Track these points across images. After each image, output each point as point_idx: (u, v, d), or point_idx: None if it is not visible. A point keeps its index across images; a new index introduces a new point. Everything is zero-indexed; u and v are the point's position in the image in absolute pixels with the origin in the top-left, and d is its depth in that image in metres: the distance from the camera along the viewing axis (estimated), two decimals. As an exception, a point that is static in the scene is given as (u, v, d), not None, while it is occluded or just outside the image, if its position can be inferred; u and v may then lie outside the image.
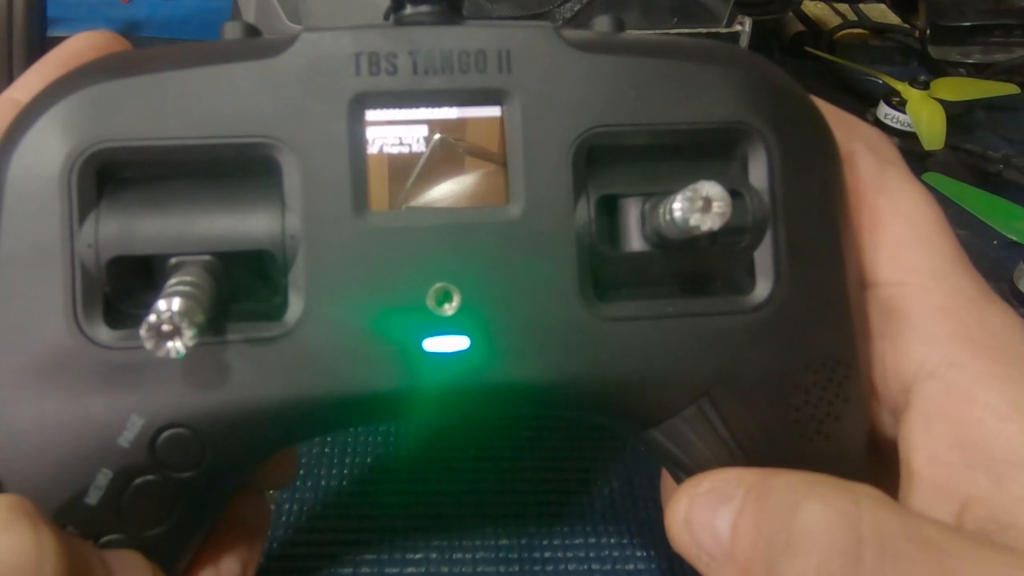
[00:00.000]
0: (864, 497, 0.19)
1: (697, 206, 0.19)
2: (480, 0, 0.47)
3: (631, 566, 0.32)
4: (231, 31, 0.22)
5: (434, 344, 0.21)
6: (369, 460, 0.36)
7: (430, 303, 0.21)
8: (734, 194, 0.22)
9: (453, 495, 0.34)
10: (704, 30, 0.47)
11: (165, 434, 0.21)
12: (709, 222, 0.19)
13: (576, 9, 0.49)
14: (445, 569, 0.32)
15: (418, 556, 0.32)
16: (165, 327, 0.18)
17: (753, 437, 0.23)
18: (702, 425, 0.22)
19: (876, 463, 0.25)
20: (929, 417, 0.22)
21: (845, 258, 0.23)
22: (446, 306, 0.21)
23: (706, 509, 0.21)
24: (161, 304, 0.18)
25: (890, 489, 0.22)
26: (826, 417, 0.23)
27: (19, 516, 0.18)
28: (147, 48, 0.23)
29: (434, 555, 0.32)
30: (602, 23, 0.23)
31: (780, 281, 0.22)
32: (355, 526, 0.33)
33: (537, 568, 0.32)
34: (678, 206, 0.20)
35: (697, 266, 0.23)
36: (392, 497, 0.34)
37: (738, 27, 0.47)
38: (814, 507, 0.19)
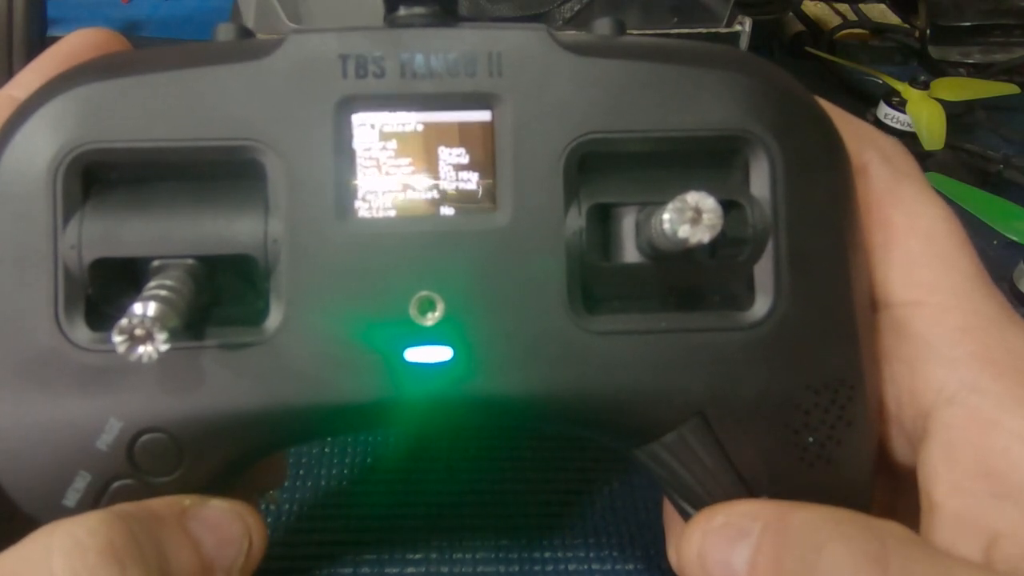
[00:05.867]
0: (891, 537, 0.18)
1: (687, 217, 0.19)
2: (480, 0, 0.47)
3: (631, 566, 0.32)
4: (224, 33, 0.22)
5: (416, 354, 0.21)
6: (369, 460, 0.36)
7: (413, 312, 0.21)
8: (733, 205, 0.21)
9: (453, 495, 0.34)
10: (704, 30, 0.47)
11: (143, 438, 0.21)
12: (699, 234, 0.19)
13: (576, 9, 0.49)
14: (445, 569, 0.32)
15: (418, 556, 0.32)
16: (138, 331, 0.18)
17: (749, 459, 0.22)
18: (694, 445, 0.22)
19: (894, 492, 0.24)
20: (950, 445, 0.21)
21: (853, 273, 0.22)
22: (429, 315, 0.21)
23: (721, 545, 0.20)
24: (136, 308, 0.18)
25: (910, 520, 0.21)
26: (828, 441, 0.22)
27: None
28: (141, 49, 0.23)
29: (434, 555, 0.32)
30: (602, 26, 0.23)
31: (781, 297, 0.21)
32: (355, 526, 0.33)
33: (537, 568, 0.32)
34: (667, 217, 0.19)
35: (694, 279, 0.22)
36: (392, 497, 0.34)
37: (738, 27, 0.47)
38: (839, 548, 0.18)
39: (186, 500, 0.21)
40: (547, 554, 0.32)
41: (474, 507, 0.34)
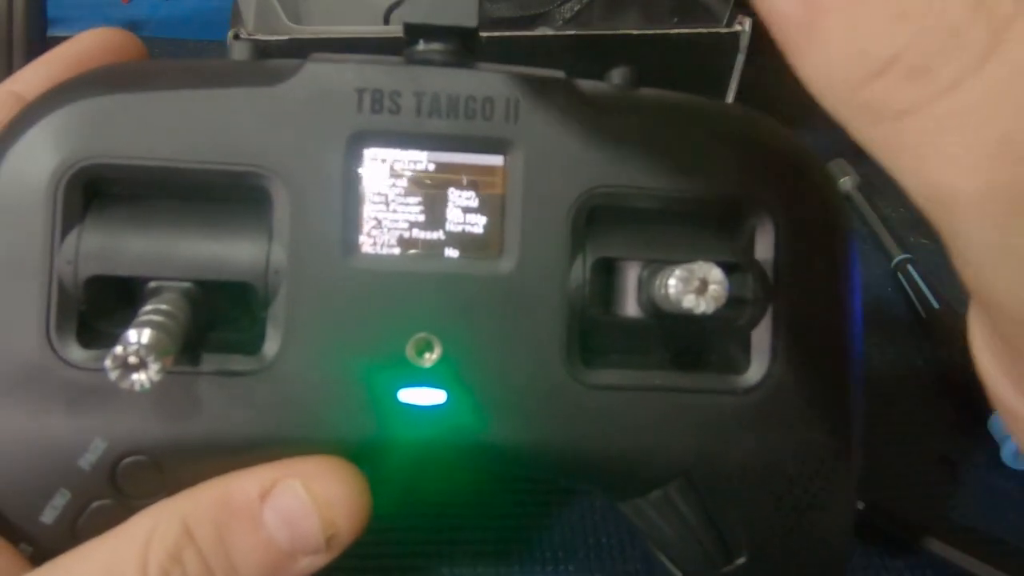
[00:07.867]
0: None
1: (692, 287, 0.19)
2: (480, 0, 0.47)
3: (631, 566, 0.32)
4: (239, 51, 0.22)
5: (410, 396, 0.21)
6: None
7: (410, 352, 0.20)
8: (737, 267, 0.21)
9: (453, 495, 0.34)
10: (704, 30, 0.47)
11: (127, 460, 0.20)
12: (703, 305, 0.19)
13: (576, 9, 0.49)
14: (445, 569, 0.32)
15: (418, 556, 0.32)
16: (131, 359, 0.18)
17: (731, 520, 0.22)
18: (679, 504, 0.22)
19: None
20: None
21: (849, 344, 0.22)
22: (426, 356, 0.21)
23: None
24: (130, 335, 0.18)
25: None
26: (809, 509, 0.22)
27: None
28: (150, 61, 0.23)
29: (434, 555, 0.32)
30: (619, 75, 0.22)
31: (776, 363, 0.21)
32: (355, 526, 0.33)
33: (537, 568, 0.32)
34: (672, 283, 0.19)
35: (692, 339, 0.22)
36: (392, 496, 0.34)
37: (738, 27, 0.47)
38: None
39: (268, 480, 0.20)
40: (547, 554, 0.32)
41: (474, 507, 0.34)
